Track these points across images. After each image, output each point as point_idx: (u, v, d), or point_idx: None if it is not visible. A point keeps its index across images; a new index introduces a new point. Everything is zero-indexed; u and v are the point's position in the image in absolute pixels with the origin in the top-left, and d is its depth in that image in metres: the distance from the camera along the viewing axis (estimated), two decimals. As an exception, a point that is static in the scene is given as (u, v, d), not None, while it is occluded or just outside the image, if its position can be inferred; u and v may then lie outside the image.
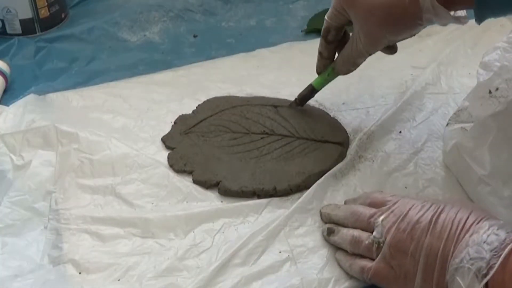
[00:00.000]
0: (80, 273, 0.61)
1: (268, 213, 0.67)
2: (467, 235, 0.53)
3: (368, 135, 0.76)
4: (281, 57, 0.92)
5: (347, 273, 0.61)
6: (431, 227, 0.56)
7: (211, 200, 0.69)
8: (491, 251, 0.51)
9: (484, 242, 0.52)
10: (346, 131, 0.77)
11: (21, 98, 0.81)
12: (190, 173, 0.71)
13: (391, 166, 0.73)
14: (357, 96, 0.83)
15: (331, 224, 0.64)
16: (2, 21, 0.95)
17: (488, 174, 0.64)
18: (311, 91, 0.77)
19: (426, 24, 0.64)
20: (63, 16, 1.00)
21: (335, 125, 0.78)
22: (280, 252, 0.63)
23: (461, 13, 0.64)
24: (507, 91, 0.64)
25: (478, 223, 0.54)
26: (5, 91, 0.85)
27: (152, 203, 0.68)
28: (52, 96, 0.83)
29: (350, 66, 0.72)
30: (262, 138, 0.75)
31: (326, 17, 0.70)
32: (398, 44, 0.71)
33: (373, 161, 0.73)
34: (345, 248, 0.61)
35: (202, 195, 0.69)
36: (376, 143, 0.76)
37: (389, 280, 0.57)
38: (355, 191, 0.69)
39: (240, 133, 0.76)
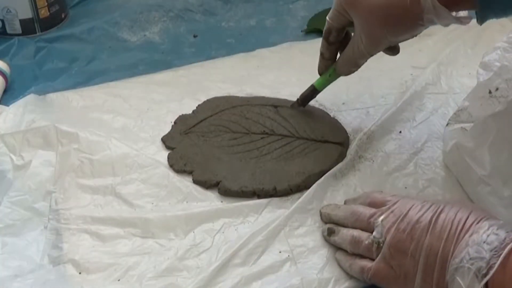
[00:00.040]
0: (80, 273, 0.61)
1: (268, 213, 0.67)
2: (467, 235, 0.53)
3: (368, 135, 0.76)
4: (281, 57, 0.92)
5: (347, 273, 0.61)
6: (431, 227, 0.56)
7: (211, 200, 0.69)
8: (491, 250, 0.51)
9: (484, 242, 0.52)
10: (346, 131, 0.77)
11: (21, 98, 0.81)
12: (190, 173, 0.71)
13: (391, 166, 0.73)
14: (357, 96, 0.83)
15: (331, 224, 0.64)
16: (2, 21, 0.95)
17: (488, 174, 0.64)
18: (313, 91, 0.77)
19: (427, 25, 0.64)
20: (63, 16, 1.00)
21: (335, 125, 0.78)
22: (280, 252, 0.63)
23: (463, 13, 0.64)
24: (507, 91, 0.64)
25: (478, 223, 0.54)
26: (5, 91, 0.85)
27: (152, 203, 0.68)
28: (52, 96, 0.83)
29: (351, 67, 0.72)
30: (262, 138, 0.75)
31: (327, 18, 0.70)
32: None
33: (373, 161, 0.73)
34: (345, 248, 0.61)
35: (202, 195, 0.69)
36: (376, 143, 0.76)
37: (389, 280, 0.57)
38: (355, 191, 0.69)
39: (240, 133, 0.76)
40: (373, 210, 0.61)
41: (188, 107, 0.81)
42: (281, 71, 0.89)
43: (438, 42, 0.92)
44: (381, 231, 0.58)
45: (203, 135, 0.76)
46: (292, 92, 0.83)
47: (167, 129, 0.78)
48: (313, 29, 0.99)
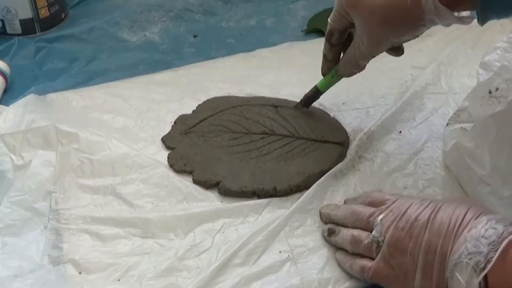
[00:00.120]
0: (80, 273, 0.61)
1: (268, 213, 0.67)
2: (466, 231, 0.53)
3: (368, 135, 0.76)
4: (281, 57, 0.92)
5: (347, 273, 0.61)
6: (429, 224, 0.56)
7: (211, 200, 0.69)
8: (488, 245, 0.51)
9: (482, 236, 0.52)
10: (346, 131, 0.77)
11: (21, 98, 0.81)
12: (190, 173, 0.71)
13: (391, 166, 0.73)
14: (357, 96, 0.83)
15: (331, 225, 0.64)
16: (2, 21, 0.95)
17: (488, 174, 0.64)
18: (316, 93, 0.77)
19: (428, 25, 0.63)
20: (63, 16, 1.00)
21: (335, 125, 0.78)
22: (280, 252, 0.63)
23: (465, 13, 0.63)
24: (507, 91, 0.63)
25: (476, 218, 0.54)
26: (5, 91, 0.85)
27: (152, 203, 0.68)
28: (52, 96, 0.83)
29: (353, 68, 0.72)
30: (262, 138, 0.75)
31: (329, 19, 0.70)
32: (399, 44, 0.71)
33: (373, 161, 0.73)
34: (346, 248, 0.61)
35: (202, 195, 0.69)
36: (376, 143, 0.76)
37: (389, 279, 0.57)
38: (355, 191, 0.69)
39: (240, 133, 0.76)
40: (372, 210, 0.61)
41: (188, 107, 0.81)
42: (281, 71, 0.89)
43: (438, 42, 0.92)
44: (380, 230, 0.58)
45: (203, 135, 0.76)
46: (292, 92, 0.83)
47: (167, 129, 0.78)
48: (313, 29, 0.99)
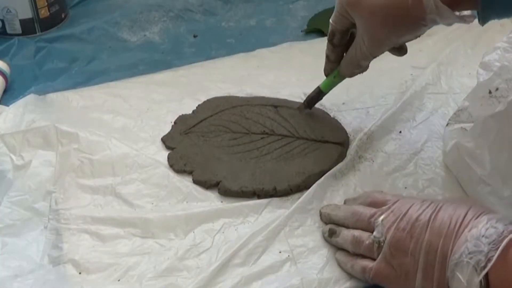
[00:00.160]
0: (80, 273, 0.61)
1: (268, 213, 0.67)
2: (466, 230, 0.53)
3: (368, 135, 0.76)
4: (281, 57, 0.92)
5: (347, 273, 0.61)
6: (430, 224, 0.56)
7: (211, 200, 0.69)
8: (489, 244, 0.51)
9: (483, 236, 0.52)
10: (346, 131, 0.77)
11: (21, 98, 0.81)
12: (190, 173, 0.71)
13: (391, 166, 0.73)
14: (357, 96, 0.83)
15: (332, 225, 0.64)
16: (2, 21, 0.95)
17: (488, 174, 0.64)
18: (319, 93, 0.77)
19: (430, 25, 0.63)
20: (63, 16, 1.00)
21: (335, 125, 0.78)
22: (280, 252, 0.63)
23: (466, 12, 0.63)
24: (507, 91, 0.64)
25: (477, 218, 0.54)
26: (5, 91, 0.85)
27: (152, 203, 0.68)
28: (52, 96, 0.83)
29: (355, 68, 0.72)
30: (262, 138, 0.75)
31: (330, 20, 0.70)
32: (399, 44, 0.71)
33: (373, 161, 0.73)
34: (347, 248, 0.61)
35: (202, 195, 0.69)
36: (376, 143, 0.76)
37: (390, 279, 0.57)
38: (355, 191, 0.69)
39: (240, 133, 0.76)
40: (373, 210, 0.61)
41: (188, 107, 0.81)
42: (281, 71, 0.89)
43: (438, 42, 0.92)
44: (381, 231, 0.58)
45: (203, 135, 0.76)
46: (292, 92, 0.83)
47: (167, 129, 0.78)
48: (313, 29, 0.99)
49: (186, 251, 0.63)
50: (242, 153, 0.73)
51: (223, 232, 0.65)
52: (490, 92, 0.65)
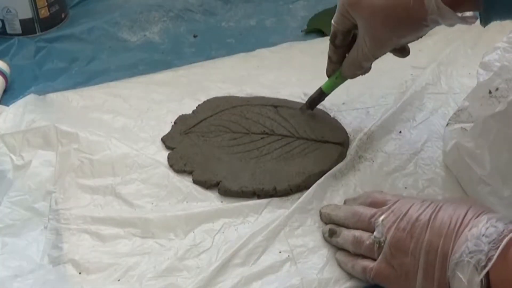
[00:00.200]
0: (80, 273, 0.61)
1: (268, 213, 0.67)
2: (466, 230, 0.53)
3: (368, 135, 0.76)
4: (281, 57, 0.92)
5: (347, 273, 0.61)
6: (430, 224, 0.56)
7: (211, 200, 0.69)
8: (489, 243, 0.51)
9: (483, 235, 0.52)
10: (346, 131, 0.77)
11: (21, 98, 0.81)
12: (190, 173, 0.71)
13: (391, 166, 0.73)
14: (357, 96, 0.83)
15: (332, 225, 0.64)
16: (2, 21, 0.95)
17: (488, 174, 0.64)
18: (321, 94, 0.77)
19: (431, 26, 0.63)
20: (63, 16, 1.00)
21: (335, 125, 0.78)
22: (280, 252, 0.63)
23: (468, 13, 0.63)
24: (507, 91, 0.64)
25: (477, 217, 0.54)
26: (5, 91, 0.85)
27: (152, 203, 0.68)
28: (52, 96, 0.83)
29: (356, 69, 0.71)
30: (262, 138, 0.75)
31: (332, 21, 0.70)
32: (399, 44, 0.71)
33: (373, 161, 0.73)
34: (347, 248, 0.61)
35: (202, 195, 0.69)
36: (376, 143, 0.76)
37: (391, 279, 0.57)
38: (355, 191, 0.69)
39: (240, 133, 0.76)
40: (373, 210, 0.61)
41: (188, 107, 0.81)
42: (281, 71, 0.89)
43: (438, 42, 0.92)
44: (381, 231, 0.58)
45: (203, 135, 0.76)
46: (292, 92, 0.83)
47: (167, 129, 0.78)
48: (313, 29, 0.99)
49: (186, 251, 0.63)
50: (242, 153, 0.73)
51: (223, 232, 0.65)
52: (490, 92, 0.65)
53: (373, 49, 0.67)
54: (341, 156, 0.73)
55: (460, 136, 0.69)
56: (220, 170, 0.71)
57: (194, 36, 0.99)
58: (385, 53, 0.68)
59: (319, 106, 0.80)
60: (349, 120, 0.79)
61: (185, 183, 0.70)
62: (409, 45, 0.70)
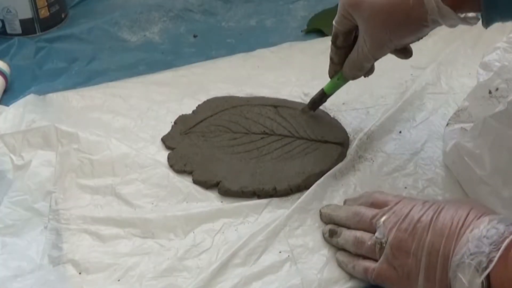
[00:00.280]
0: (80, 273, 0.61)
1: (268, 213, 0.67)
2: (468, 231, 0.53)
3: (368, 135, 0.76)
4: (281, 57, 0.92)
5: (347, 274, 0.61)
6: (431, 225, 0.56)
7: (211, 200, 0.69)
8: (490, 244, 0.51)
9: (484, 236, 0.52)
10: (346, 131, 0.77)
11: (21, 98, 0.81)
12: (190, 173, 0.71)
13: (391, 166, 0.73)
14: (357, 96, 0.83)
15: (333, 225, 0.64)
16: (2, 21, 0.95)
17: (488, 174, 0.64)
18: (322, 95, 0.77)
19: (432, 26, 0.62)
20: (63, 16, 1.00)
21: (335, 125, 0.78)
22: (280, 252, 0.63)
23: (470, 13, 0.62)
24: (507, 91, 0.64)
25: (478, 218, 0.54)
26: (5, 91, 0.85)
27: (152, 203, 0.68)
28: (52, 96, 0.83)
29: (357, 70, 0.71)
30: (262, 138, 0.75)
31: (333, 22, 0.69)
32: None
33: (373, 161, 0.73)
34: (348, 249, 0.61)
35: (202, 195, 0.69)
36: (376, 143, 0.76)
37: (393, 280, 0.57)
38: (354, 191, 0.69)
39: (240, 133, 0.76)
40: (375, 211, 0.61)
41: (188, 107, 0.81)
42: (281, 71, 0.89)
43: (438, 42, 0.92)
44: (383, 232, 0.58)
45: (203, 135, 0.76)
46: (292, 92, 0.83)
47: (167, 129, 0.78)
48: (313, 29, 0.99)
49: (186, 251, 0.63)
50: (242, 153, 0.73)
51: (223, 232, 0.65)
52: (490, 92, 0.65)
53: (373, 50, 0.67)
54: (341, 156, 0.73)
55: (460, 136, 0.69)
56: (220, 170, 0.71)
57: (194, 36, 0.99)
58: (385, 54, 0.68)
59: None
60: (349, 120, 0.79)
61: (185, 183, 0.70)
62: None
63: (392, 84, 0.85)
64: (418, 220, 0.57)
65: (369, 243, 0.59)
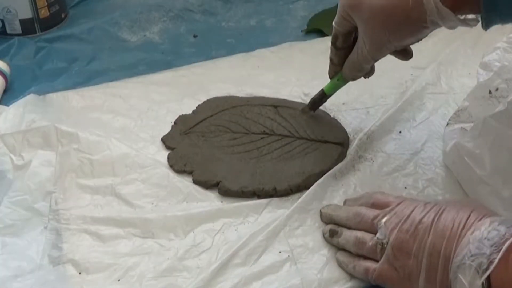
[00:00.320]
0: (80, 273, 0.61)
1: (268, 213, 0.67)
2: (469, 233, 0.53)
3: (368, 135, 0.76)
4: (281, 57, 0.92)
5: (347, 274, 0.61)
6: (433, 226, 0.56)
7: (211, 200, 0.69)
8: (491, 246, 0.51)
9: (485, 238, 0.52)
10: (346, 131, 0.77)
11: (21, 98, 0.81)
12: (190, 173, 0.71)
13: (391, 166, 0.73)
14: (357, 96, 0.83)
15: (333, 226, 0.64)
16: (2, 21, 0.95)
17: (488, 174, 0.64)
18: (322, 96, 0.77)
19: (431, 28, 0.62)
20: (63, 16, 1.00)
21: (335, 125, 0.78)
22: (280, 252, 0.63)
23: (471, 15, 0.62)
24: (507, 91, 0.64)
25: (479, 220, 0.54)
26: (5, 91, 0.85)
27: (152, 203, 0.68)
28: (52, 96, 0.83)
29: (357, 71, 0.71)
30: (262, 138, 0.75)
31: (333, 23, 0.69)
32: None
33: (373, 161, 0.73)
34: (349, 249, 0.61)
35: (202, 195, 0.69)
36: (376, 143, 0.76)
37: (394, 281, 0.57)
38: (355, 191, 0.69)
39: (240, 133, 0.76)
40: (376, 212, 0.61)
41: (188, 107, 0.81)
42: (281, 71, 0.89)
43: (438, 42, 0.92)
44: (384, 233, 0.58)
45: (203, 135, 0.76)
46: (292, 92, 0.83)
47: (167, 129, 0.78)
48: (313, 29, 0.99)
49: (186, 251, 0.63)
50: (242, 153, 0.73)
51: (223, 232, 0.65)
52: (490, 92, 0.65)
53: (373, 51, 0.66)
54: (341, 156, 0.73)
55: (460, 136, 0.69)
56: (220, 170, 0.71)
57: (194, 36, 0.99)
58: (385, 55, 0.68)
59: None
60: (349, 120, 0.79)
61: (185, 183, 0.70)
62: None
63: (392, 84, 0.85)
64: (420, 221, 0.57)
65: (370, 243, 0.59)
